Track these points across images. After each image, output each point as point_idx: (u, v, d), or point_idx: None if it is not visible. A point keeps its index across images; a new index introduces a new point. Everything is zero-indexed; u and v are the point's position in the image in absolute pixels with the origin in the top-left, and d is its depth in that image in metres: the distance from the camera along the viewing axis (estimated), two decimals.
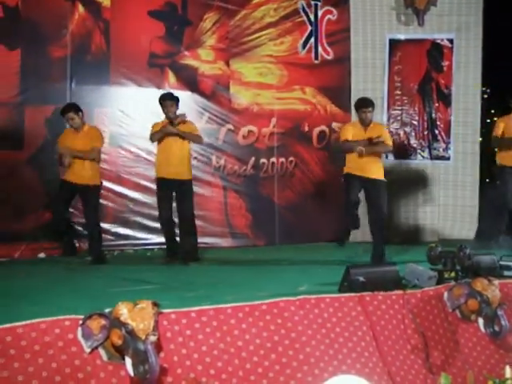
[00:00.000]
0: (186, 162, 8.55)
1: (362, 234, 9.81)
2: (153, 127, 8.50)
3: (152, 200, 9.60)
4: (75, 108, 8.35)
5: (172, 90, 9.89)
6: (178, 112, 8.52)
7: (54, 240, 9.04)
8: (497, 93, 16.08)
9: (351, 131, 8.55)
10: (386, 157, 11.43)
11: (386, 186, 8.50)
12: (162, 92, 9.72)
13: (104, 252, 8.56)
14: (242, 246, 10.47)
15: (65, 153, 8.30)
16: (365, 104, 8.57)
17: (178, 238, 8.64)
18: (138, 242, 9.67)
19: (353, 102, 11.39)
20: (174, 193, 8.53)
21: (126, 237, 9.51)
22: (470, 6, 11.57)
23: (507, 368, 4.28)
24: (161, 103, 8.53)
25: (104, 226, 9.40)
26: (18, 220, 8.95)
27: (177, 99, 8.55)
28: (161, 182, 8.57)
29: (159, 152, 8.59)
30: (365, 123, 8.49)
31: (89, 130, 8.45)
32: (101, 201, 9.25)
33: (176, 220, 8.63)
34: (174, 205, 8.60)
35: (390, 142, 8.60)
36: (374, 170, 8.40)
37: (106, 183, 9.51)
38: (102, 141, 8.52)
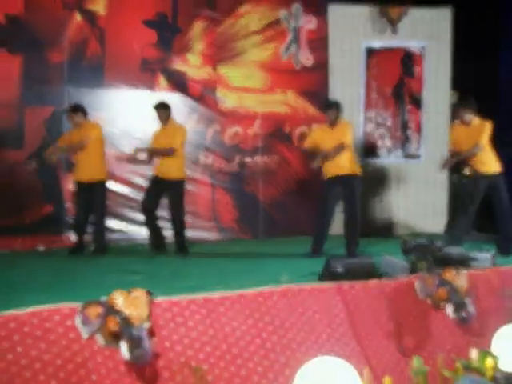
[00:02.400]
0: (173, 163, 8.54)
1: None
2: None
3: (142, 195, 9.66)
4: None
5: (163, 93, 9.98)
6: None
7: (53, 233, 9.05)
8: (464, 97, 16.16)
9: (314, 136, 8.60)
10: (362, 156, 11.50)
11: (361, 181, 8.50)
12: (153, 94, 9.76)
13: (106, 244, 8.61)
14: (229, 239, 10.48)
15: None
16: (327, 105, 8.57)
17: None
18: (131, 236, 9.64)
19: None
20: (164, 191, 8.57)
21: (121, 231, 9.49)
22: (439, 16, 11.65)
23: (473, 350, 4.31)
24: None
25: None
26: (18, 214, 8.94)
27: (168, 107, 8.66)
28: (152, 178, 8.68)
29: None
30: (332, 124, 8.42)
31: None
32: None
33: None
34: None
35: (345, 139, 8.37)
36: (346, 166, 8.34)
37: None
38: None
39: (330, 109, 8.35)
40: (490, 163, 8.48)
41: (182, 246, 8.53)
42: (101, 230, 8.53)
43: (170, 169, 8.47)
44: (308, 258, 7.99)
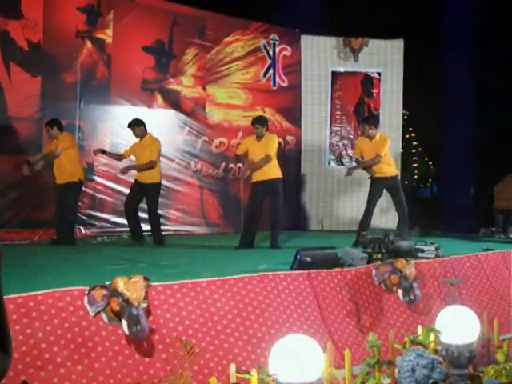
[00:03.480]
0: (150, 171, 8.42)
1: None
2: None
3: None
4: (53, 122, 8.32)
5: (159, 109, 9.96)
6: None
7: None
8: (414, 115, 16.29)
9: (244, 145, 8.40)
10: (329, 163, 11.54)
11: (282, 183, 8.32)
12: (152, 110, 9.73)
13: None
14: (215, 233, 10.47)
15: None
16: (255, 121, 8.32)
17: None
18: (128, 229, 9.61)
19: (303, 120, 11.59)
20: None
21: (122, 225, 9.45)
22: (393, 47, 11.77)
23: (419, 327, 4.34)
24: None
25: (104, 216, 9.44)
26: (37, 210, 8.89)
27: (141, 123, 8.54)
28: (134, 182, 8.65)
29: None
30: (258, 137, 8.19)
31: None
32: (102, 196, 9.24)
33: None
34: None
35: (269, 150, 8.14)
36: (271, 171, 8.16)
37: (106, 182, 9.51)
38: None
39: (258, 123, 8.19)
40: (386, 169, 8.51)
41: (159, 237, 8.48)
42: (68, 225, 8.35)
43: (148, 175, 8.39)
44: (237, 249, 7.94)
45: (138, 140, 8.52)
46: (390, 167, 8.57)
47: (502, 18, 12.68)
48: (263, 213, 8.38)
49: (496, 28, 12.79)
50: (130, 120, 8.55)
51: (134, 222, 8.49)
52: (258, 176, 8.14)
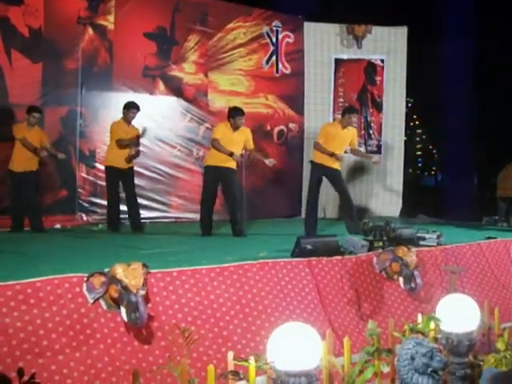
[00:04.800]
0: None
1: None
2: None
3: (144, 183, 9.65)
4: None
5: (161, 96, 9.90)
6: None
7: (67, 214, 9.00)
8: (418, 103, 16.23)
9: (222, 132, 8.08)
10: None
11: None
12: (153, 97, 9.70)
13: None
14: (216, 220, 10.41)
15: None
16: (240, 113, 8.14)
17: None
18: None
19: (306, 108, 11.55)
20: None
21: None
22: (397, 34, 11.70)
23: (419, 315, 4.32)
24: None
25: (105, 203, 9.30)
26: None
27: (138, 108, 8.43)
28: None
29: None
30: (236, 128, 8.06)
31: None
32: (103, 182, 9.21)
33: None
34: None
35: (252, 146, 8.28)
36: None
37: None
38: None
39: (243, 116, 8.13)
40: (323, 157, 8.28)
41: (138, 224, 8.44)
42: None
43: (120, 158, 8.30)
44: (202, 236, 7.97)
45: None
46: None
47: (504, 1, 12.57)
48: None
49: (499, 12, 12.70)
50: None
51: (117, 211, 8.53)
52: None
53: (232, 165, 8.07)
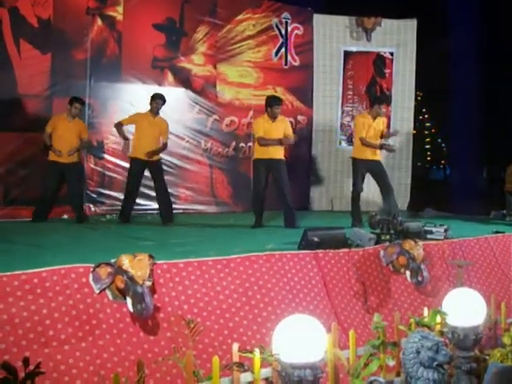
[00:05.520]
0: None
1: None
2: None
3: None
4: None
5: (170, 88, 9.90)
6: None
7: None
8: (427, 96, 16.15)
9: (262, 127, 8.09)
10: (340, 143, 11.50)
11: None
12: (162, 88, 9.68)
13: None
14: (224, 212, 10.46)
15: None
16: (278, 102, 8.19)
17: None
18: (141, 207, 9.59)
19: (314, 100, 11.53)
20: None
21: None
22: (406, 27, 11.66)
23: (425, 309, 4.31)
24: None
25: (113, 194, 9.42)
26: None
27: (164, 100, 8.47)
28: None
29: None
30: (274, 118, 8.10)
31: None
32: (112, 174, 9.22)
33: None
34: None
35: (292, 134, 8.30)
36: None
37: (116, 160, 9.48)
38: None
39: (280, 105, 8.17)
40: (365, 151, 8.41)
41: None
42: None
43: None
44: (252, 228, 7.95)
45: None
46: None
47: None
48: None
49: (510, 4, 12.60)
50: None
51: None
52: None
53: (281, 155, 8.15)
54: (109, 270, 4.06)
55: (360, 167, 8.45)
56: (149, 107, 8.39)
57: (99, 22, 9.51)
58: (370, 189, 11.51)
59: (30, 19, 8.87)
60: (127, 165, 9.00)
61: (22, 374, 2.98)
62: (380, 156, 8.56)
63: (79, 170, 8.48)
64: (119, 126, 8.45)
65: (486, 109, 12.64)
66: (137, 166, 8.39)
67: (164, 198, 8.48)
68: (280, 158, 8.14)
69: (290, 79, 11.46)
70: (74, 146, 8.23)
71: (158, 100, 8.37)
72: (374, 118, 8.42)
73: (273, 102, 8.20)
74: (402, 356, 3.48)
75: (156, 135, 8.39)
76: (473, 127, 12.69)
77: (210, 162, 10.56)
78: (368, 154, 8.39)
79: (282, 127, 8.15)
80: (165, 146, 8.59)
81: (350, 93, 11.72)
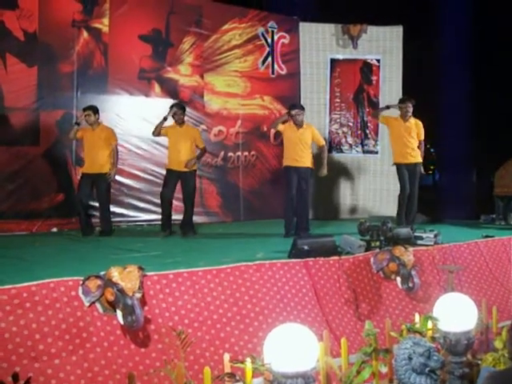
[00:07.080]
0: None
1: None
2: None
3: (141, 185, 9.64)
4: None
5: (157, 99, 9.90)
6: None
7: (64, 217, 8.99)
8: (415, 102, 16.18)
9: (285, 131, 8.19)
10: (330, 151, 11.51)
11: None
12: (149, 99, 9.67)
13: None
14: (214, 222, 10.44)
15: None
16: (295, 106, 8.28)
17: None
18: (130, 219, 9.58)
19: None
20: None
21: (121, 215, 9.44)
22: (392, 34, 11.68)
23: (417, 315, 4.31)
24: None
25: None
26: (35, 201, 8.86)
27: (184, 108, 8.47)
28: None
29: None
30: (298, 125, 8.11)
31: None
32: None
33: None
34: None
35: (322, 141, 8.44)
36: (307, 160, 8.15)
37: None
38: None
39: (301, 110, 8.17)
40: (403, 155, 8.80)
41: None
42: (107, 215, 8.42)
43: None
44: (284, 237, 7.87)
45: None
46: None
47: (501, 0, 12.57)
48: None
49: (497, 10, 12.68)
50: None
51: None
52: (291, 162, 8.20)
53: (308, 163, 8.15)
54: (98, 282, 4.05)
55: (403, 170, 8.78)
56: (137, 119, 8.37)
57: (85, 34, 9.49)
58: (359, 195, 11.58)
59: (15, 32, 8.84)
60: (117, 177, 9.00)
61: None
62: (419, 158, 8.87)
63: (107, 181, 8.36)
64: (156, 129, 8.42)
65: (475, 114, 12.68)
66: (170, 177, 8.37)
67: (187, 209, 8.46)
68: (308, 166, 8.17)
69: (278, 88, 11.48)
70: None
71: (174, 109, 8.33)
72: (405, 119, 8.77)
73: (291, 106, 8.32)
74: (394, 363, 3.48)
75: (188, 144, 8.35)
76: (461, 132, 12.72)
77: (199, 172, 10.42)
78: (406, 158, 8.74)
79: (309, 134, 8.16)
80: (203, 150, 8.59)
81: (338, 100, 11.74)
